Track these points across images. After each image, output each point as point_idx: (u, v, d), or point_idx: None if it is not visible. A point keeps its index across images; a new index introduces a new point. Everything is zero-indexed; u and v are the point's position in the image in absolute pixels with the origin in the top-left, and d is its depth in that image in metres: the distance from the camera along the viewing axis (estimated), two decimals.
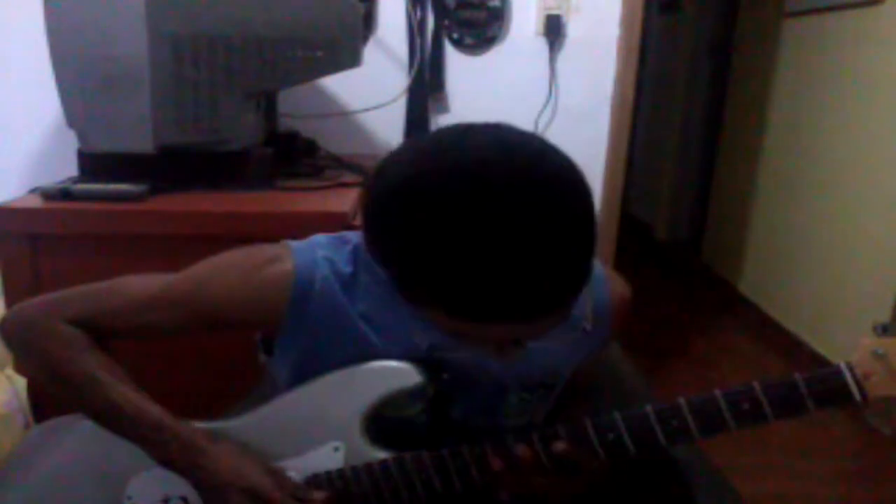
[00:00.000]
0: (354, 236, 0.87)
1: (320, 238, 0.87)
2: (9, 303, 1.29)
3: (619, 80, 2.05)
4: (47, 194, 1.30)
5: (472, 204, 0.61)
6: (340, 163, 1.71)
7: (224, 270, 0.84)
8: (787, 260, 2.95)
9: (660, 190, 4.43)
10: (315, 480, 0.84)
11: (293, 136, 1.73)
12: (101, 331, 0.86)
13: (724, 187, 3.71)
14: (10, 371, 1.32)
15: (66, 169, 1.46)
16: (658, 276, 3.72)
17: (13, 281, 1.27)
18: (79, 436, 0.86)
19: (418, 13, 1.98)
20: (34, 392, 1.30)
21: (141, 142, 1.31)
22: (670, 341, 2.89)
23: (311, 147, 1.77)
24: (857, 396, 0.71)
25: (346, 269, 0.83)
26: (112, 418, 0.83)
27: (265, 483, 0.79)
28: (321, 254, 0.84)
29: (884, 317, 2.23)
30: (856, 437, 2.23)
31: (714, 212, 3.85)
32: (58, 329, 0.84)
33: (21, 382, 1.32)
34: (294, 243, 0.85)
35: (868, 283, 2.38)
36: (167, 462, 0.83)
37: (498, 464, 0.78)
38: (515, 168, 0.63)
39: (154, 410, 0.82)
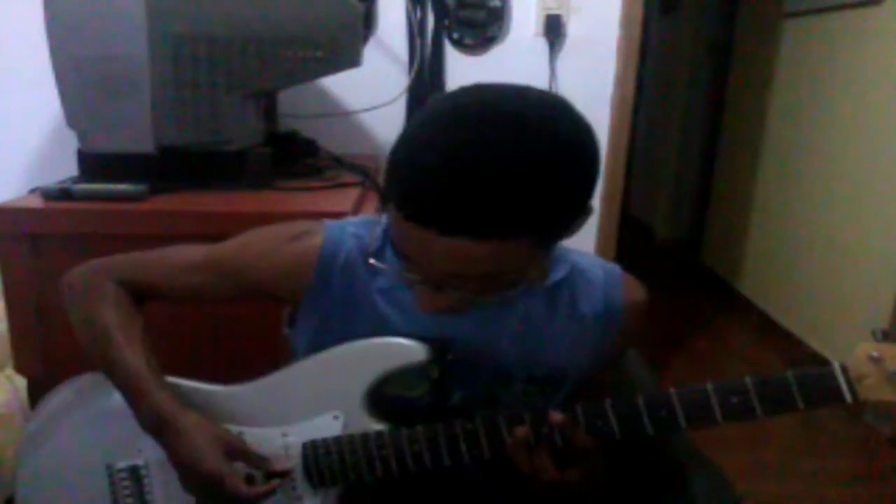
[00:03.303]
0: (386, 219, 0.89)
1: (355, 219, 0.92)
2: (9, 303, 1.29)
3: (619, 80, 2.05)
4: (47, 194, 1.30)
5: (428, 120, 0.69)
6: (340, 163, 1.70)
7: (260, 240, 0.91)
8: (787, 260, 2.96)
9: (660, 190, 4.44)
10: (312, 446, 0.88)
11: (293, 136, 1.73)
12: (145, 291, 0.95)
13: (724, 187, 3.71)
14: (10, 371, 1.32)
15: (66, 169, 1.46)
16: (658, 276, 3.71)
17: (13, 281, 1.27)
18: (106, 389, 0.91)
19: (418, 13, 1.98)
20: (34, 392, 1.30)
21: (141, 142, 1.31)
22: (670, 341, 2.89)
23: (311, 147, 1.77)
24: (849, 398, 0.71)
25: (374, 245, 0.87)
26: (109, 374, 0.90)
27: (221, 470, 0.81)
28: (351, 230, 0.89)
29: (883, 316, 2.23)
30: (856, 437, 2.23)
31: (714, 212, 3.85)
32: (103, 285, 0.93)
33: (21, 382, 1.32)
34: (329, 221, 0.91)
35: (868, 282, 2.38)
36: (143, 428, 0.87)
37: (521, 432, 0.79)
38: (479, 102, 0.68)
39: (141, 375, 0.86)
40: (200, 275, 0.92)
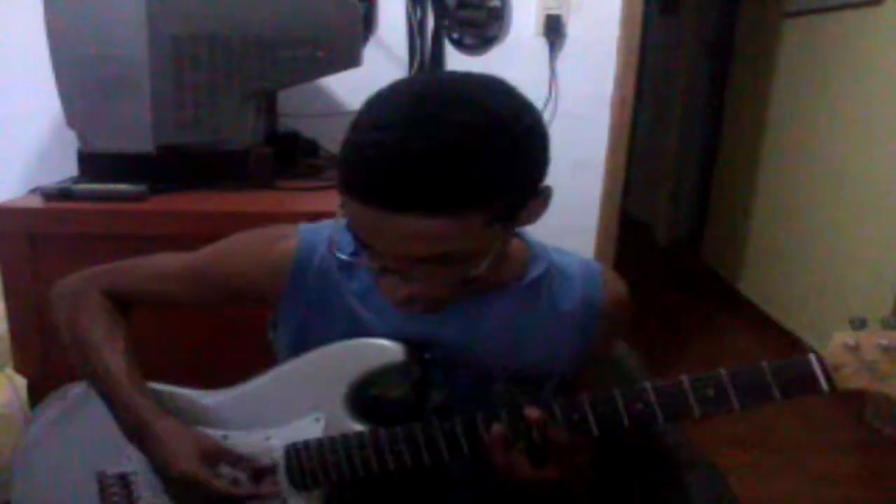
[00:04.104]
0: None
1: (330, 221, 0.91)
2: (9, 303, 1.29)
3: (619, 80, 2.05)
4: (47, 194, 1.30)
5: (369, 104, 0.71)
6: None
7: (236, 246, 0.92)
8: (787, 260, 2.96)
9: (660, 190, 4.44)
10: (293, 448, 0.88)
11: (293, 136, 1.73)
12: (130, 300, 0.96)
13: (724, 187, 3.71)
14: (10, 371, 1.32)
15: (66, 169, 1.46)
16: (658, 276, 3.72)
17: (13, 281, 1.27)
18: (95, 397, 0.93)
19: (418, 13, 1.98)
20: (34, 392, 1.30)
21: (141, 142, 1.31)
22: (670, 341, 2.89)
23: (311, 147, 1.77)
24: (825, 387, 0.70)
25: (348, 248, 0.85)
26: (92, 383, 0.92)
27: (195, 472, 0.82)
28: (326, 233, 0.88)
29: (884, 315, 2.23)
30: (856, 437, 2.23)
31: (714, 212, 3.85)
32: (87, 295, 0.94)
33: (21, 382, 1.32)
34: (304, 224, 0.91)
35: (868, 282, 2.38)
36: (125, 435, 0.88)
37: (497, 430, 0.78)
38: (418, 83, 0.75)
39: (122, 382, 0.88)
40: (182, 282, 0.93)
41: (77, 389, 1.00)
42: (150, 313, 0.98)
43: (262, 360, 0.95)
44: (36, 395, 1.30)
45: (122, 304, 0.96)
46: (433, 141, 0.65)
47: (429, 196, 0.65)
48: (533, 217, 0.77)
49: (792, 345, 2.79)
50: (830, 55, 2.67)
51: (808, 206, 2.80)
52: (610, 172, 2.10)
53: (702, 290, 3.63)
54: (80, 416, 0.98)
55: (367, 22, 1.94)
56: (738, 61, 3.58)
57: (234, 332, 1.16)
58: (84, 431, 0.98)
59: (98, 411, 0.91)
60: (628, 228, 2.61)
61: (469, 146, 0.66)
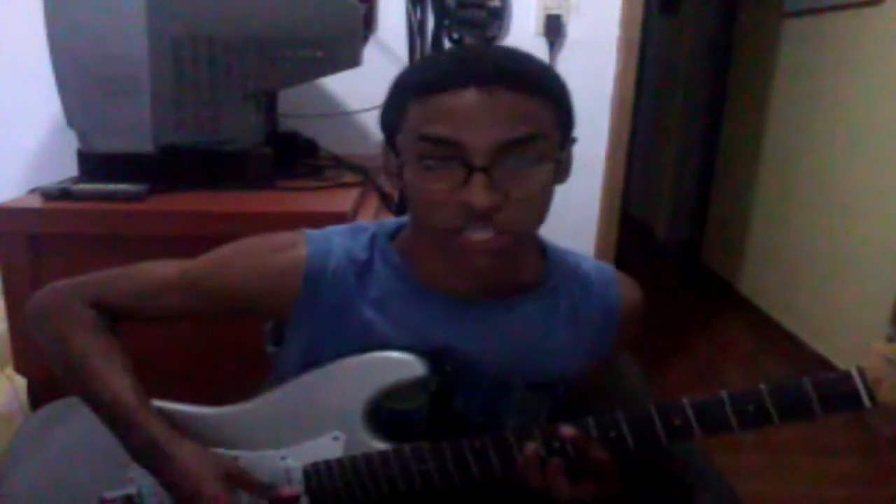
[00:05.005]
0: (372, 225, 0.89)
1: (337, 227, 0.88)
2: (9, 303, 1.29)
3: (619, 80, 2.05)
4: (47, 194, 1.30)
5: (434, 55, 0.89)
6: (340, 163, 1.70)
7: (239, 256, 0.87)
8: (787, 260, 2.96)
9: (660, 190, 4.43)
10: (314, 469, 0.84)
11: (293, 136, 1.73)
12: (118, 313, 0.89)
13: (724, 187, 3.71)
14: (10, 371, 1.32)
15: (66, 169, 1.46)
16: (658, 276, 3.71)
17: (13, 281, 1.27)
18: (87, 414, 0.86)
19: (418, 13, 1.98)
20: (34, 392, 1.30)
21: (141, 142, 1.31)
22: (670, 341, 2.89)
23: (311, 147, 1.77)
24: (867, 402, 0.69)
25: (362, 255, 0.85)
26: (93, 405, 0.85)
27: (222, 496, 0.78)
28: (337, 241, 0.85)
29: (884, 317, 2.23)
30: (856, 437, 2.23)
31: (714, 212, 3.85)
32: (74, 310, 0.87)
33: (21, 382, 1.32)
34: (310, 231, 0.87)
35: (868, 282, 2.38)
36: (134, 459, 0.83)
37: (532, 448, 0.77)
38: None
39: (130, 404, 0.82)
40: (176, 294, 0.87)
41: (47, 413, 0.94)
42: (136, 326, 0.91)
43: (256, 374, 0.92)
44: (36, 395, 1.31)
45: (110, 318, 0.89)
46: (504, 47, 0.84)
47: (519, 75, 0.73)
48: (567, 166, 0.81)
49: (791, 345, 2.79)
50: (830, 55, 2.67)
51: (808, 207, 2.80)
52: (610, 172, 2.10)
53: (702, 290, 3.63)
54: (65, 441, 0.92)
55: (367, 22, 1.94)
56: (738, 61, 3.58)
57: (230, 344, 1.13)
58: (74, 457, 0.92)
59: (87, 433, 0.86)
60: (628, 228, 2.61)
61: (533, 56, 0.78)
